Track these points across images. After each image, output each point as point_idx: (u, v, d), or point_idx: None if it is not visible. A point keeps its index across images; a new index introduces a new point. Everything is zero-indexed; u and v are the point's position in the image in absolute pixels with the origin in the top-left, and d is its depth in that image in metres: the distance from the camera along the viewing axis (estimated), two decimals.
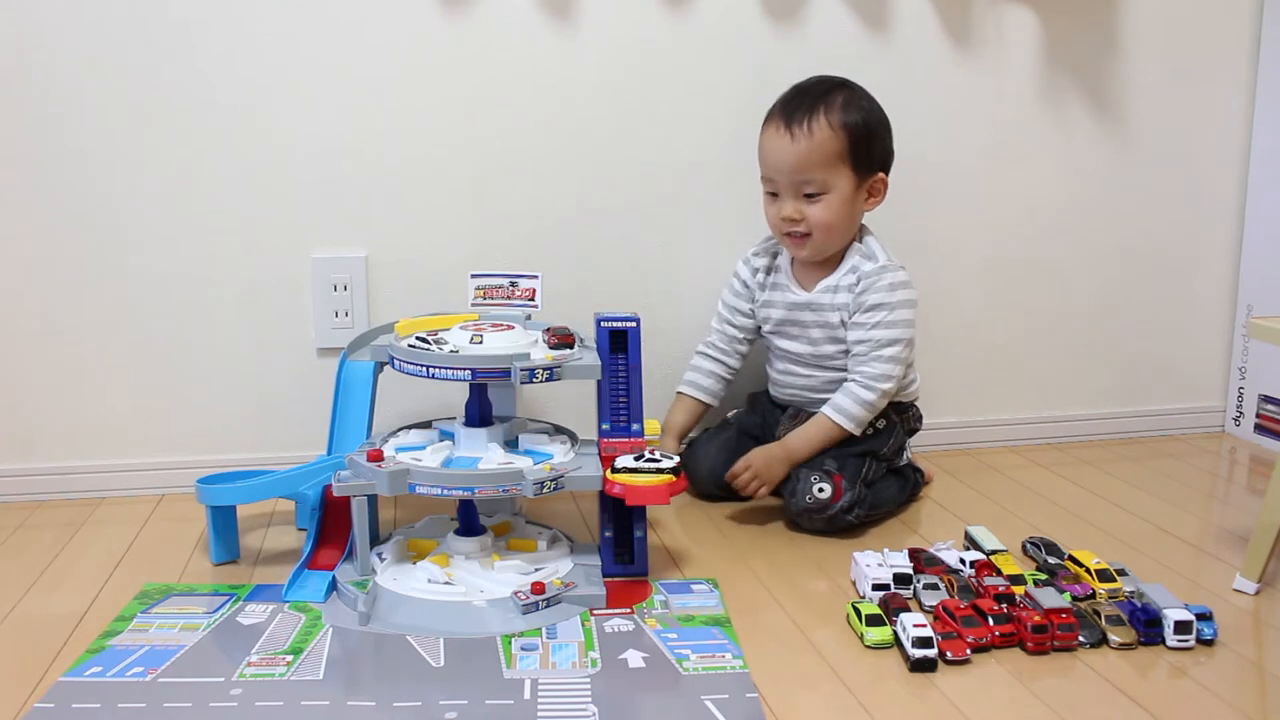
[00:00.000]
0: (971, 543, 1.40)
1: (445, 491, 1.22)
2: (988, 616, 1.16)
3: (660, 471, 1.26)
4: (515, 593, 1.21)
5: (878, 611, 1.17)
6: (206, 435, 1.60)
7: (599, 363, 1.32)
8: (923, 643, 1.10)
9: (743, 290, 1.58)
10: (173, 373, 1.58)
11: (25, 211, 1.51)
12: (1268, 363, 1.84)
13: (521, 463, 1.26)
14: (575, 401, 1.58)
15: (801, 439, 1.48)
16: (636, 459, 1.28)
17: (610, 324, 1.37)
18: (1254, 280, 1.87)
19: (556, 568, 1.29)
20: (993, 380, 1.84)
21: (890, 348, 1.46)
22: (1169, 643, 1.15)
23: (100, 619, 1.20)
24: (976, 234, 1.78)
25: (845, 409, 1.46)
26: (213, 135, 1.53)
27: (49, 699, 1.04)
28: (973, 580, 1.27)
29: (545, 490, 1.23)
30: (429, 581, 1.24)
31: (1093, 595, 1.24)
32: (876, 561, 1.29)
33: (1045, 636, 1.13)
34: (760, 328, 1.58)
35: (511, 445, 1.33)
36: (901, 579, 1.26)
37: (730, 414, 1.64)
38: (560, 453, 1.32)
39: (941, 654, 1.10)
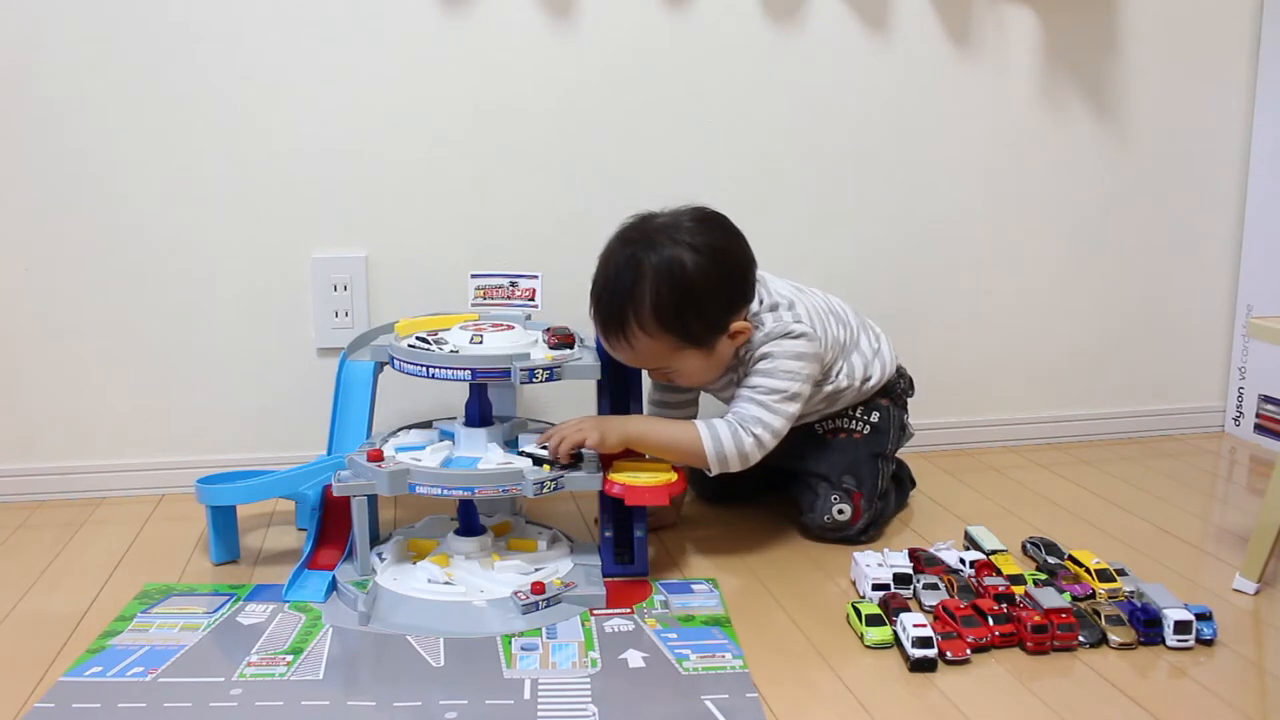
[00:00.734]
0: (971, 543, 1.40)
1: (445, 491, 1.22)
2: (988, 616, 1.16)
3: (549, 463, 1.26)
4: (515, 593, 1.21)
5: (878, 611, 1.17)
6: (206, 435, 1.60)
7: (599, 363, 1.32)
8: (923, 643, 1.10)
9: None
10: (173, 373, 1.58)
11: (25, 211, 1.51)
12: (1268, 363, 1.84)
13: (521, 463, 1.26)
14: (575, 401, 1.58)
15: (652, 430, 1.33)
16: (542, 447, 1.28)
17: None
18: (1254, 280, 1.87)
19: (556, 568, 1.29)
20: (993, 380, 1.84)
21: (770, 395, 1.33)
22: (1169, 643, 1.15)
23: (100, 619, 1.20)
24: (976, 233, 1.78)
25: (718, 433, 1.31)
26: (213, 135, 1.53)
27: (49, 699, 1.04)
28: (973, 580, 1.27)
29: (545, 490, 1.23)
30: (429, 581, 1.24)
31: (1093, 595, 1.24)
32: (876, 561, 1.29)
33: (1045, 636, 1.13)
34: None
35: (511, 445, 1.33)
36: (901, 579, 1.26)
37: None
38: None
39: (941, 654, 1.10)
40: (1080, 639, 1.15)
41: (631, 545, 1.33)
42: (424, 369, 1.27)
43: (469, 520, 1.32)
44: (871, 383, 1.47)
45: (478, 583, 1.24)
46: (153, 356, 1.58)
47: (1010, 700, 1.05)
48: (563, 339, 1.34)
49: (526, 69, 1.59)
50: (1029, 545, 1.39)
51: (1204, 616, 1.16)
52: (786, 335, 1.35)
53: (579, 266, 1.62)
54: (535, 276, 1.43)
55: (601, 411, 1.38)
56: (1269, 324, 1.28)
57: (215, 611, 1.22)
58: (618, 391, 1.39)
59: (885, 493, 1.47)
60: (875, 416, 1.49)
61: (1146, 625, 1.15)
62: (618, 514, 1.33)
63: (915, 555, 1.32)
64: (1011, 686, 1.08)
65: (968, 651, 1.11)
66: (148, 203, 1.54)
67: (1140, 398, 1.90)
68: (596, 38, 1.60)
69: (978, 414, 1.84)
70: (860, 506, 1.41)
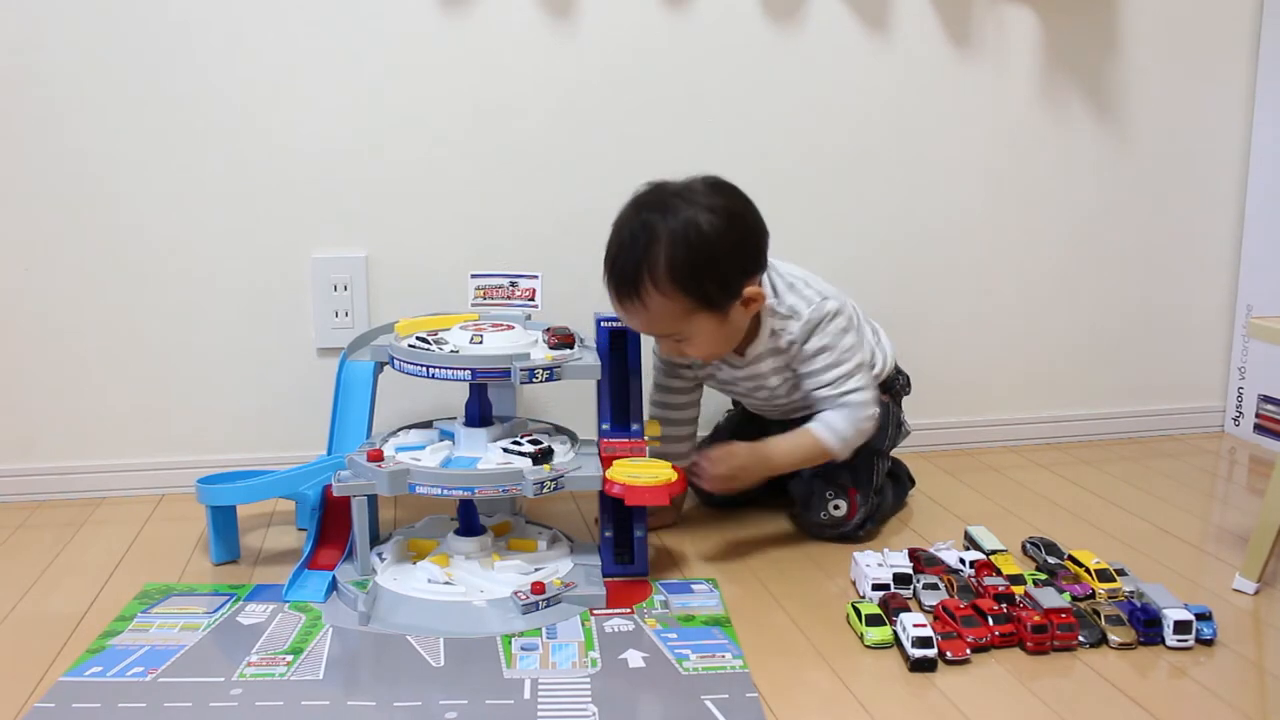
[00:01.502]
0: (971, 543, 1.40)
1: (445, 491, 1.22)
2: (988, 616, 1.16)
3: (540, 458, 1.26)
4: (515, 593, 1.21)
5: (878, 611, 1.17)
6: (206, 435, 1.60)
7: (599, 363, 1.32)
8: (923, 643, 1.10)
9: (665, 365, 1.49)
10: (173, 373, 1.58)
11: (25, 211, 1.51)
12: (1267, 363, 1.84)
13: (521, 463, 1.26)
14: (575, 401, 1.58)
15: (784, 454, 1.37)
16: (514, 442, 1.29)
17: (610, 324, 1.38)
18: (1254, 280, 1.87)
19: (556, 568, 1.29)
20: (993, 380, 1.84)
21: (853, 379, 1.37)
22: (1168, 643, 1.15)
23: (100, 619, 1.20)
24: (976, 233, 1.78)
25: (837, 429, 1.36)
26: (213, 135, 1.53)
27: (49, 699, 1.04)
28: (973, 580, 1.27)
29: (545, 490, 1.23)
30: (429, 581, 1.24)
31: (1092, 595, 1.24)
32: (876, 561, 1.29)
33: (1045, 636, 1.13)
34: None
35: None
36: (901, 579, 1.26)
37: (723, 419, 1.62)
38: (560, 453, 1.32)
39: (941, 654, 1.10)
40: (1080, 639, 1.15)
41: (631, 545, 1.33)
42: (424, 369, 1.27)
43: (469, 520, 1.32)
44: (875, 369, 1.47)
45: (478, 583, 1.24)
46: (153, 356, 1.58)
47: (1010, 700, 1.05)
48: (563, 339, 1.34)
49: (526, 69, 1.59)
50: (1029, 545, 1.39)
51: (1204, 616, 1.16)
52: (824, 319, 1.36)
53: (579, 266, 1.62)
54: (535, 276, 1.43)
55: (602, 412, 1.37)
56: (1269, 324, 1.28)
57: (215, 611, 1.22)
58: (618, 392, 1.38)
59: (881, 489, 1.47)
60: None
61: (1146, 625, 1.15)
62: (617, 514, 1.33)
63: (915, 555, 1.32)
64: (1011, 686, 1.08)
65: (968, 651, 1.11)
66: (148, 203, 1.54)
67: (1140, 398, 1.90)
68: (596, 38, 1.60)
69: (978, 414, 1.84)
70: (856, 502, 1.41)
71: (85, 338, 1.56)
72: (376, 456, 1.26)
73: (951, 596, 1.23)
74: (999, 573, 1.28)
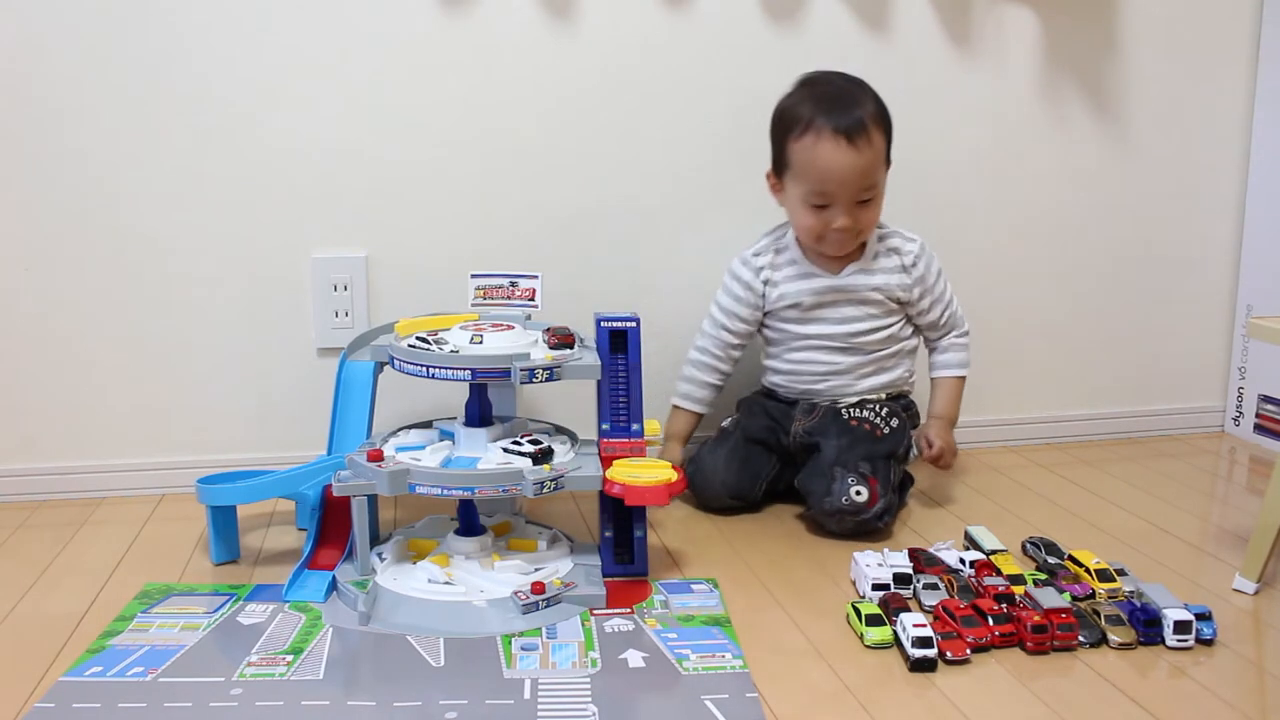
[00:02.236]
0: (971, 543, 1.40)
1: (445, 491, 1.22)
2: (988, 616, 1.16)
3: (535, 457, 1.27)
4: (515, 592, 1.21)
5: (878, 611, 1.17)
6: (206, 435, 1.60)
7: (599, 363, 1.32)
8: (923, 643, 1.10)
9: (744, 295, 1.55)
10: (173, 373, 1.58)
11: (25, 211, 1.51)
12: (1268, 363, 1.84)
13: (521, 463, 1.26)
14: (575, 401, 1.58)
15: (952, 404, 1.60)
16: (514, 442, 1.30)
17: (610, 324, 1.37)
18: (1254, 280, 1.87)
19: (557, 567, 1.29)
20: (993, 380, 1.84)
21: (956, 305, 1.59)
22: (1168, 643, 1.15)
23: (100, 619, 1.20)
24: (976, 233, 1.78)
25: (965, 362, 1.60)
26: (213, 135, 1.53)
27: (49, 699, 1.04)
28: (973, 580, 1.27)
29: (545, 490, 1.23)
30: (429, 581, 1.24)
31: (1092, 595, 1.24)
32: (876, 561, 1.29)
33: (1045, 636, 1.13)
34: (760, 329, 1.58)
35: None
36: (901, 579, 1.26)
37: (725, 422, 1.61)
38: (560, 453, 1.32)
39: (941, 654, 1.10)
40: (1080, 639, 1.15)
41: (631, 545, 1.33)
42: (424, 369, 1.27)
43: (469, 520, 1.32)
44: (910, 365, 1.59)
45: (478, 583, 1.24)
46: (153, 356, 1.58)
47: (1010, 700, 1.05)
48: (563, 339, 1.34)
49: (526, 69, 1.59)
50: (1029, 545, 1.39)
51: (1204, 616, 1.16)
52: (927, 247, 1.56)
53: (579, 266, 1.63)
54: (535, 276, 1.43)
55: (602, 412, 1.37)
56: (1269, 324, 1.28)
57: (215, 611, 1.22)
58: (617, 392, 1.38)
59: (898, 488, 1.49)
60: (895, 423, 1.52)
61: (1146, 625, 1.15)
62: (617, 514, 1.33)
63: (915, 555, 1.32)
64: (1011, 686, 1.08)
65: (968, 651, 1.11)
66: (148, 203, 1.54)
67: (1140, 398, 1.90)
68: (596, 38, 1.60)
69: (978, 414, 1.83)
70: (877, 491, 1.41)
71: (85, 338, 1.56)
72: (377, 456, 1.26)
73: (952, 596, 1.23)
74: (999, 573, 1.28)
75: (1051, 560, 1.34)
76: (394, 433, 1.39)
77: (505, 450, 1.29)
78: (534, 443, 1.29)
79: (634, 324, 1.39)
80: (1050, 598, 1.19)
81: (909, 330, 1.57)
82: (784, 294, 1.53)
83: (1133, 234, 1.85)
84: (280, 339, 1.60)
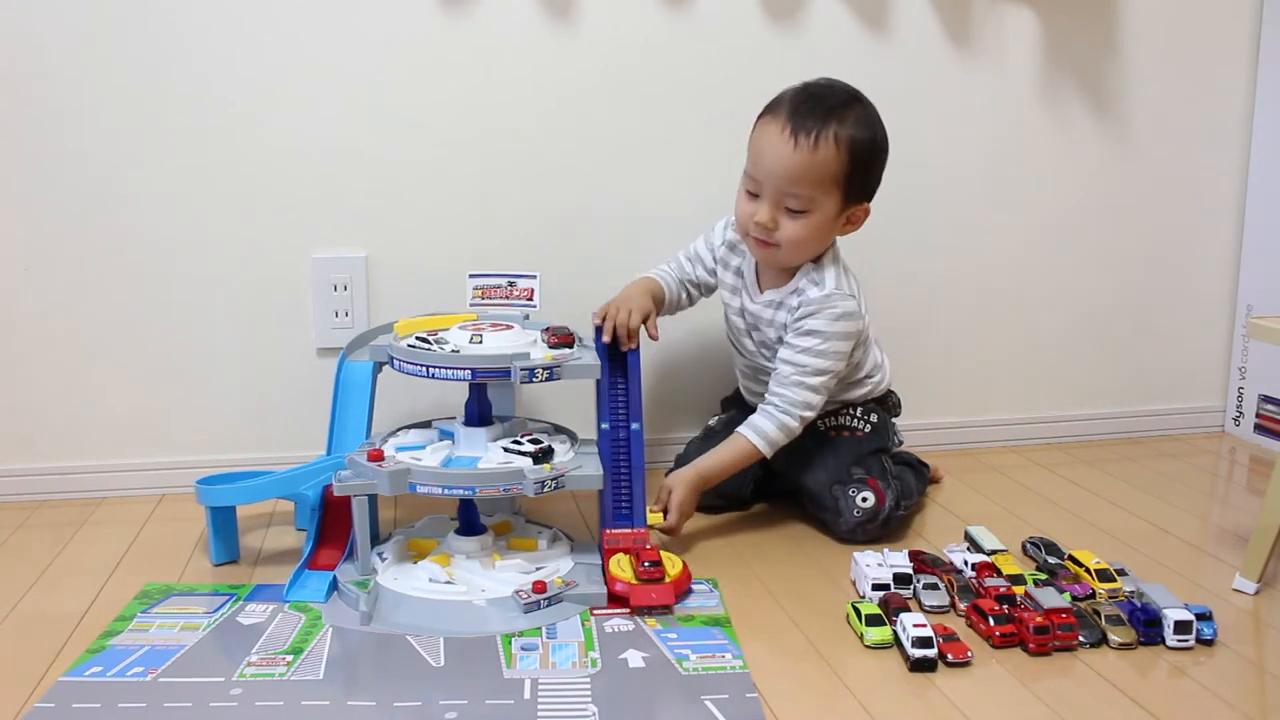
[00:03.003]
0: (971, 543, 1.40)
1: (446, 491, 1.22)
2: (988, 616, 1.16)
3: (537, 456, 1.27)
4: (516, 591, 1.21)
5: (878, 611, 1.17)
6: (206, 435, 1.60)
7: (599, 362, 1.32)
8: (923, 643, 1.10)
9: (709, 248, 1.54)
10: (173, 373, 1.58)
11: (25, 211, 1.51)
12: (1268, 363, 1.84)
13: (521, 462, 1.26)
14: (575, 401, 1.58)
15: (715, 462, 1.43)
16: (514, 441, 1.29)
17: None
18: (1254, 280, 1.87)
19: (557, 566, 1.29)
20: (993, 380, 1.84)
21: (817, 377, 1.40)
22: (1169, 643, 1.15)
23: (100, 619, 1.20)
24: (976, 234, 1.78)
25: (764, 431, 1.41)
26: (213, 135, 1.53)
27: (49, 699, 1.04)
28: (973, 580, 1.27)
29: (546, 489, 1.23)
30: (430, 581, 1.24)
31: (1093, 595, 1.24)
32: (876, 561, 1.29)
33: (1047, 638, 1.13)
34: (714, 289, 1.56)
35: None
36: (901, 579, 1.26)
37: (712, 421, 1.62)
38: (560, 452, 1.31)
39: (942, 655, 1.10)
40: (1080, 639, 1.15)
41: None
42: (424, 369, 1.27)
43: (469, 520, 1.32)
44: (876, 378, 1.52)
45: (479, 582, 1.24)
46: (153, 356, 1.58)
47: (1010, 700, 1.05)
48: (562, 339, 1.34)
49: (526, 69, 1.59)
50: (1029, 545, 1.39)
51: (1204, 616, 1.16)
52: (838, 311, 1.41)
53: (578, 266, 1.63)
54: (534, 276, 1.43)
55: (602, 416, 1.37)
56: (1269, 324, 1.28)
57: (215, 611, 1.22)
58: (617, 391, 1.38)
59: (899, 474, 1.48)
60: (874, 418, 1.51)
61: (1146, 625, 1.15)
62: (618, 513, 1.33)
63: (916, 555, 1.32)
64: (1011, 686, 1.08)
65: (968, 653, 1.11)
66: (148, 203, 1.54)
67: (1140, 398, 1.90)
68: (596, 38, 1.60)
69: (978, 414, 1.84)
70: (880, 488, 1.41)
71: (85, 338, 1.56)
72: (377, 456, 1.26)
73: (952, 597, 1.23)
74: (999, 573, 1.28)
75: (1052, 560, 1.34)
76: (393, 433, 1.39)
77: (505, 450, 1.29)
78: (534, 442, 1.29)
79: (634, 347, 1.38)
80: (1050, 598, 1.19)
81: (860, 359, 1.50)
82: (725, 284, 1.53)
83: (1133, 234, 1.85)
84: (280, 339, 1.60)
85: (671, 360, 1.69)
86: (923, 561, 1.31)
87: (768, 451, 1.42)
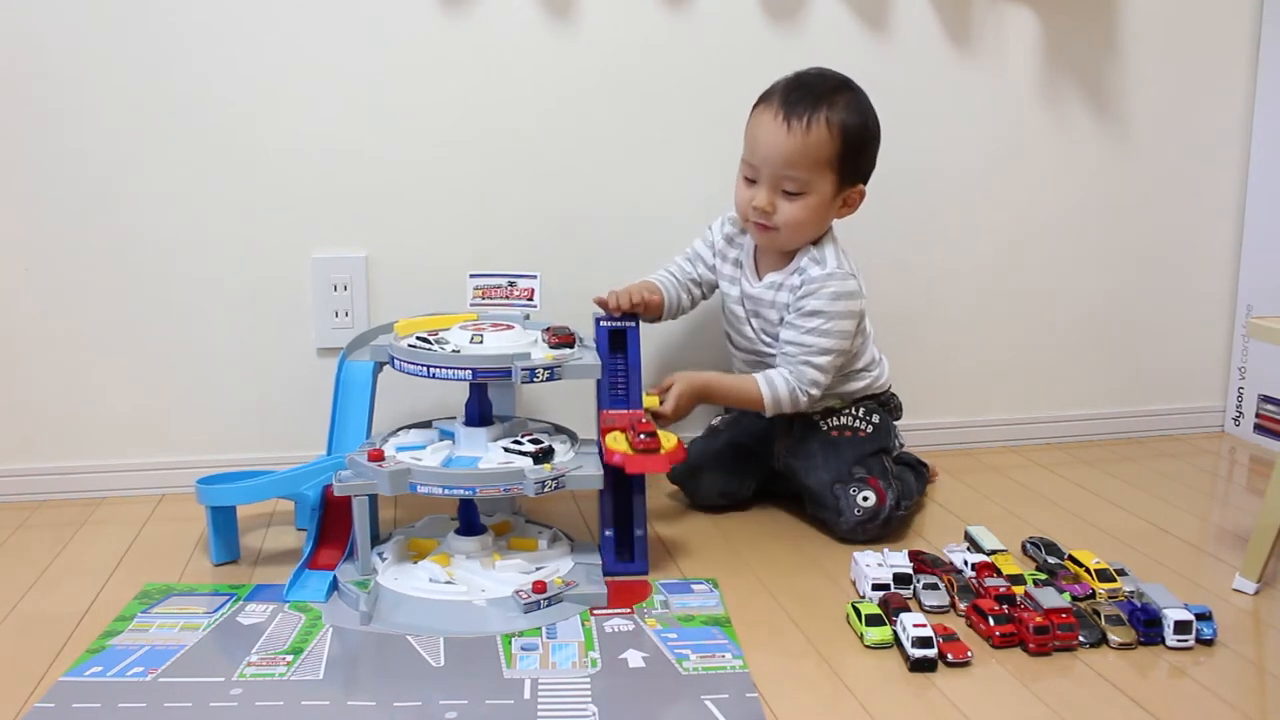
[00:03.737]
0: (971, 543, 1.40)
1: (447, 491, 1.22)
2: (988, 616, 1.16)
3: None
4: (517, 591, 1.21)
5: (878, 611, 1.17)
6: (206, 435, 1.60)
7: (599, 362, 1.32)
8: (923, 643, 1.10)
9: (709, 244, 1.56)
10: (173, 373, 1.58)
11: (25, 211, 1.51)
12: (1268, 363, 1.84)
13: (522, 462, 1.26)
14: (575, 401, 1.58)
15: (722, 383, 1.46)
16: (514, 441, 1.30)
17: (609, 324, 1.38)
18: (1254, 280, 1.87)
19: (557, 566, 1.29)
20: (993, 380, 1.84)
21: (823, 356, 1.42)
22: (1169, 643, 1.15)
23: (100, 619, 1.20)
24: (976, 234, 1.78)
25: (775, 387, 1.43)
26: (213, 135, 1.53)
27: (49, 699, 1.04)
28: (973, 580, 1.27)
29: (546, 489, 1.23)
30: (431, 581, 1.24)
31: (1092, 595, 1.24)
32: (876, 561, 1.29)
33: (1047, 638, 1.13)
34: (716, 286, 1.57)
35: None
36: (901, 579, 1.26)
37: (715, 420, 1.63)
38: (560, 452, 1.32)
39: (942, 655, 1.10)
40: (1080, 639, 1.15)
41: (632, 544, 1.33)
42: (425, 369, 1.27)
43: (469, 520, 1.32)
44: (875, 373, 1.52)
45: (479, 582, 1.24)
46: (153, 356, 1.58)
47: (1010, 700, 1.05)
48: (562, 339, 1.34)
49: (526, 69, 1.59)
50: (1029, 545, 1.39)
51: (1204, 616, 1.16)
52: (841, 290, 1.42)
53: (578, 266, 1.63)
54: (534, 276, 1.43)
55: (602, 403, 1.37)
56: (1269, 324, 1.28)
57: (215, 611, 1.22)
58: (617, 391, 1.38)
59: (900, 474, 1.48)
60: (877, 419, 1.51)
61: (1146, 625, 1.15)
62: (618, 511, 1.33)
63: (916, 555, 1.32)
64: (1011, 686, 1.08)
65: (968, 654, 1.11)
66: (148, 203, 1.54)
67: (1140, 398, 1.90)
68: (596, 38, 1.60)
69: (978, 414, 1.84)
70: (881, 488, 1.41)
71: (85, 338, 1.55)
72: (377, 456, 1.26)
73: (952, 597, 1.23)
74: (999, 573, 1.28)
75: (1051, 560, 1.34)
76: (394, 433, 1.39)
77: (506, 450, 1.29)
78: (535, 442, 1.29)
79: (633, 324, 1.39)
80: (1050, 598, 1.19)
81: (859, 346, 1.51)
82: (723, 275, 1.54)
83: (1133, 234, 1.85)
84: (280, 339, 1.60)
85: (672, 360, 1.68)
86: (923, 561, 1.31)
87: (769, 404, 1.43)
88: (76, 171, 1.51)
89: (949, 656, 1.10)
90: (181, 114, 1.52)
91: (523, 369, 1.25)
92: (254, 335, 1.59)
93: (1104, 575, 1.26)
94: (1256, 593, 1.27)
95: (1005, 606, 1.18)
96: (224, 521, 1.35)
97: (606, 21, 1.60)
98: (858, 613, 1.17)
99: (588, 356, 1.33)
